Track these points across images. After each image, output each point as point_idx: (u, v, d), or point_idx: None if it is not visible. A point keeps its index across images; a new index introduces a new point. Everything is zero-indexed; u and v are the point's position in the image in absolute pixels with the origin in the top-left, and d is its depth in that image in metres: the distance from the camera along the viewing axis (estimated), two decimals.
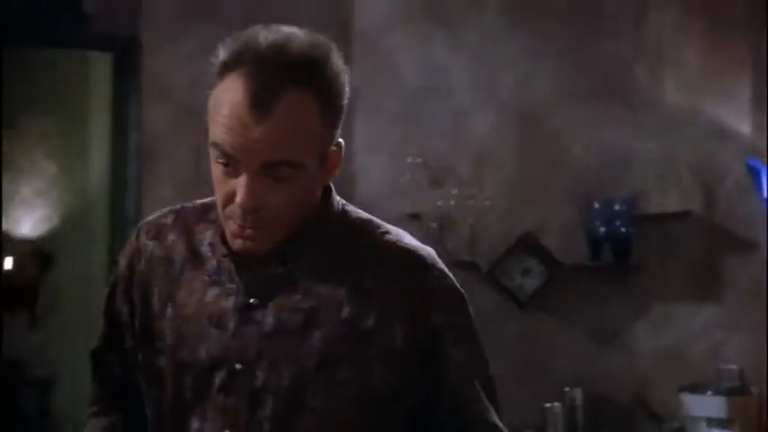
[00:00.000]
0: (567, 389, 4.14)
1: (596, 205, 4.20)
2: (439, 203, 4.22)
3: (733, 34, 4.30)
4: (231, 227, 1.41)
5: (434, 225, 4.23)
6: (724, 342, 4.10)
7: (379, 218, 4.37)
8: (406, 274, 1.47)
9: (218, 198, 1.43)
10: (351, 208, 1.51)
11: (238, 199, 1.38)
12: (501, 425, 1.48)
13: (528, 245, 4.26)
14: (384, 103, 4.45)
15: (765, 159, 4.11)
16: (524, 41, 4.42)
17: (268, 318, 1.44)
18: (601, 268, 4.25)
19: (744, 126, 4.39)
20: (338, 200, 1.52)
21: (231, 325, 1.45)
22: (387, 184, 4.39)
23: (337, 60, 1.40)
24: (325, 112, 1.39)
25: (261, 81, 1.36)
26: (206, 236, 1.50)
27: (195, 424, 1.47)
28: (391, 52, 4.45)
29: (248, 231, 1.41)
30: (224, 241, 1.46)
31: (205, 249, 1.50)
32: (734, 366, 3.91)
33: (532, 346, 4.37)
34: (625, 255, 4.19)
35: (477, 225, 4.31)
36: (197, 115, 3.81)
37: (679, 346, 4.22)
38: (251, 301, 1.45)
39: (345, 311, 1.45)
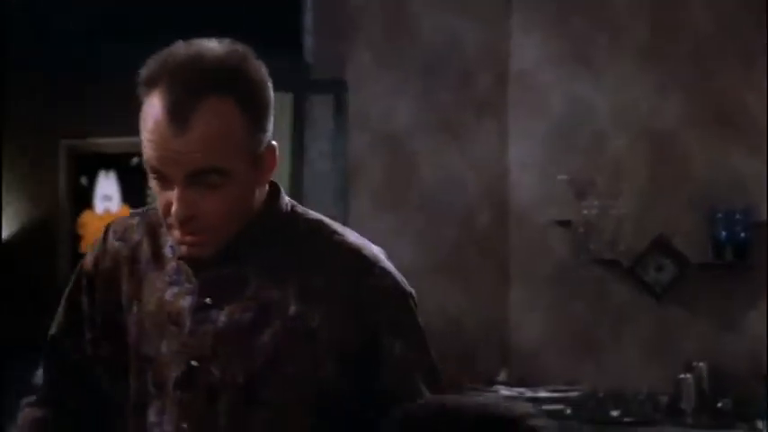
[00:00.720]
0: (694, 363, 4.47)
1: (719, 214, 4.59)
2: (584, 212, 4.60)
3: None
4: (174, 235, 1.42)
5: (581, 230, 4.63)
6: None
7: (534, 224, 4.88)
8: (350, 272, 1.46)
9: (158, 209, 1.43)
10: (301, 209, 1.49)
11: (173, 210, 1.38)
12: None
13: (661, 246, 4.65)
14: (535, 129, 4.89)
15: None
16: (655, 78, 4.78)
17: (221, 317, 1.44)
18: (723, 266, 4.62)
19: None
20: (287, 200, 1.49)
21: (188, 323, 1.45)
22: (539, 196, 4.80)
23: (255, 64, 1.38)
24: (248, 116, 1.37)
25: (177, 93, 1.34)
26: (168, 238, 1.48)
27: (153, 417, 1.47)
28: (542, 87, 4.89)
29: (188, 238, 1.40)
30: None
31: (167, 251, 1.49)
32: None
33: (665, 330, 4.73)
34: (744, 255, 4.55)
35: (617, 229, 4.68)
36: (389, 140, 4.44)
37: None
38: (206, 300, 1.45)
39: (292, 310, 1.44)
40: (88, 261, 1.53)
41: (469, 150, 4.87)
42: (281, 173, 6.15)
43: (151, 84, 1.35)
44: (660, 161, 4.83)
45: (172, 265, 1.47)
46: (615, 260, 4.71)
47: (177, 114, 1.33)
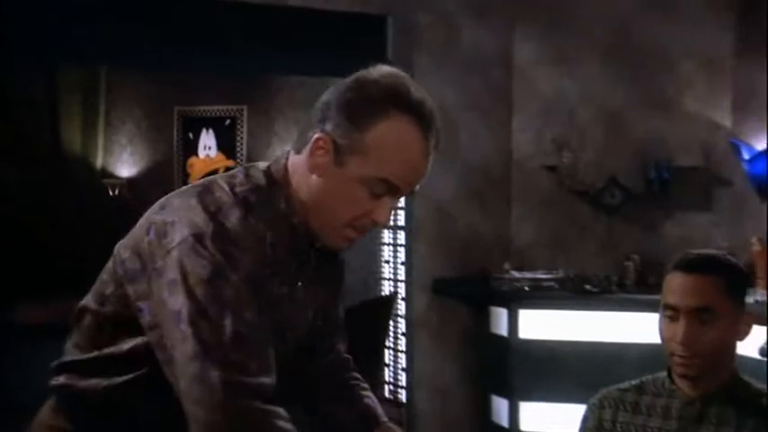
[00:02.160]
0: (632, 255, 5.17)
1: (650, 162, 5.25)
2: (564, 160, 5.36)
3: None
4: (347, 233, 1.42)
5: (564, 173, 5.37)
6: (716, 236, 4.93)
7: (529, 168, 5.68)
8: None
9: (343, 212, 1.39)
10: None
11: (380, 218, 1.40)
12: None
13: (613, 182, 5.33)
14: (530, 106, 5.56)
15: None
16: (610, 72, 5.42)
17: (305, 295, 1.50)
18: (652, 195, 5.27)
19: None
20: None
21: (286, 305, 1.46)
22: (533, 150, 5.53)
23: None
24: None
25: (429, 127, 1.38)
26: (267, 236, 1.39)
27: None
28: (535, 78, 5.53)
29: (354, 236, 1.43)
30: (295, 240, 1.41)
31: (267, 248, 1.39)
32: None
33: (614, 235, 5.43)
34: (665, 189, 5.25)
35: (585, 172, 5.42)
36: (439, 114, 5.12)
37: (689, 232, 5.11)
38: (298, 284, 1.47)
39: (338, 281, 1.60)
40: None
41: (488, 120, 5.51)
42: None
43: (390, 110, 1.33)
44: (614, 128, 5.48)
45: (273, 258, 1.40)
46: (583, 191, 5.38)
47: (430, 144, 1.38)
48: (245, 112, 7.10)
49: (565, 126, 5.56)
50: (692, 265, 1.94)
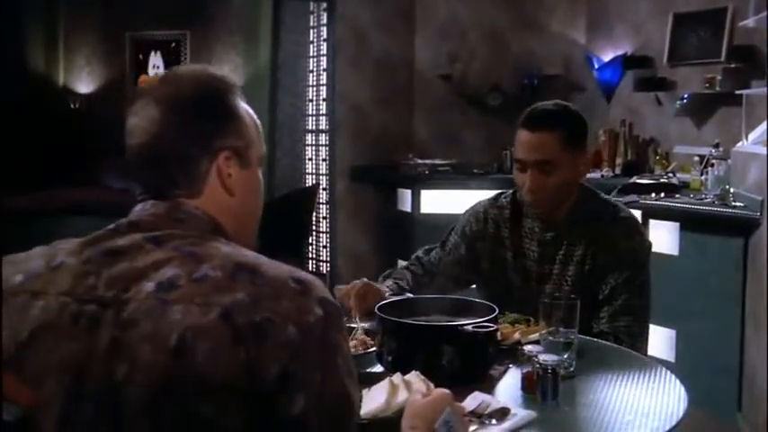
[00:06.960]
0: (508, 146, 5.22)
1: (524, 71, 5.70)
2: (456, 70, 5.77)
3: None
4: None
5: (456, 81, 5.76)
6: None
7: (428, 77, 6.29)
8: None
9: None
10: None
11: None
12: None
13: (495, 87, 5.78)
14: (430, 27, 5.78)
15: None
16: (492, 2, 5.77)
17: None
18: (525, 98, 5.17)
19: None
20: None
21: None
22: (431, 62, 5.82)
23: None
24: None
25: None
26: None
27: None
28: (435, 5, 5.80)
29: None
30: None
31: None
32: None
33: (494, 131, 5.68)
34: (534, 93, 5.47)
35: (474, 79, 5.80)
36: (359, 30, 6.02)
37: None
38: None
39: None
40: None
41: (396, 38, 5.89)
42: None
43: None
44: (496, 44, 5.90)
45: None
46: (471, 95, 5.84)
47: None
48: (189, 36, 7.25)
49: (457, 43, 5.91)
50: (535, 124, 1.90)
